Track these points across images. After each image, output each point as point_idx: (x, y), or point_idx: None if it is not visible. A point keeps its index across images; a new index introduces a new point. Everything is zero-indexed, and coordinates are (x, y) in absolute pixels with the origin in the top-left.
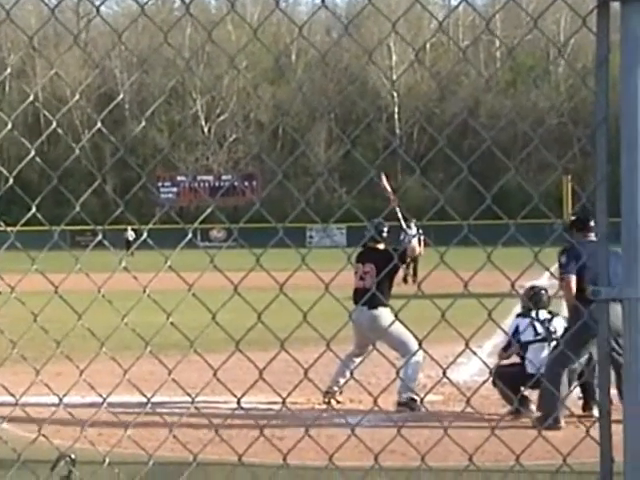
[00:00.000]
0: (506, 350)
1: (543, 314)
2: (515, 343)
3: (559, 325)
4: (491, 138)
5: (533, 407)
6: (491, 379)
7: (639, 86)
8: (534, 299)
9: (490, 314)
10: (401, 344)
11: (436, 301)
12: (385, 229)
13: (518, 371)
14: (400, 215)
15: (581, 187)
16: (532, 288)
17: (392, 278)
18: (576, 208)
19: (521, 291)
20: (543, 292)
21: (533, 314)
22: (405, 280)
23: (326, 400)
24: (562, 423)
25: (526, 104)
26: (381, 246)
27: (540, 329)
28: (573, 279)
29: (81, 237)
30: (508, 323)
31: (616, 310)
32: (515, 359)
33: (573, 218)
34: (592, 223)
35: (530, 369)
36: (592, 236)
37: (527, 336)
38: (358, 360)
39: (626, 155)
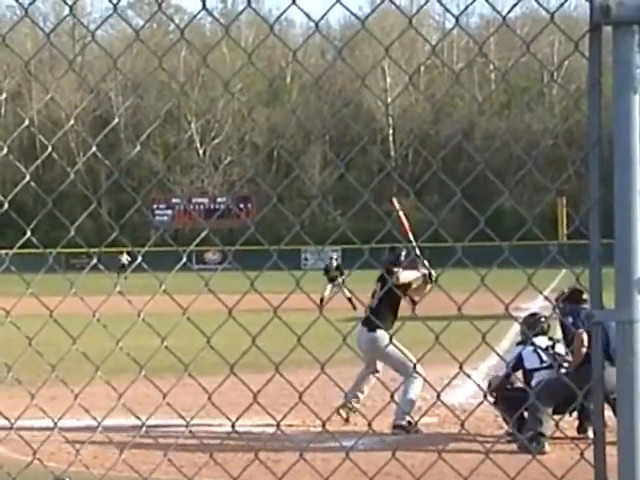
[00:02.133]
0: (507, 378)
1: (544, 341)
2: (511, 373)
3: (561, 351)
4: (485, 161)
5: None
6: (492, 399)
7: (631, 109)
8: (534, 326)
9: (484, 337)
10: (401, 365)
11: (431, 323)
12: (403, 253)
13: (522, 397)
14: (414, 242)
15: (576, 209)
16: (532, 315)
17: (394, 303)
18: (570, 230)
19: (517, 314)
20: (543, 319)
21: (535, 341)
22: (413, 303)
23: (349, 408)
24: (547, 448)
25: (520, 126)
26: (395, 269)
27: (545, 356)
28: (585, 336)
29: (76, 260)
30: (503, 346)
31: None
32: (511, 382)
33: (567, 292)
34: (585, 296)
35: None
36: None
37: (532, 363)
38: (371, 378)
39: (619, 177)
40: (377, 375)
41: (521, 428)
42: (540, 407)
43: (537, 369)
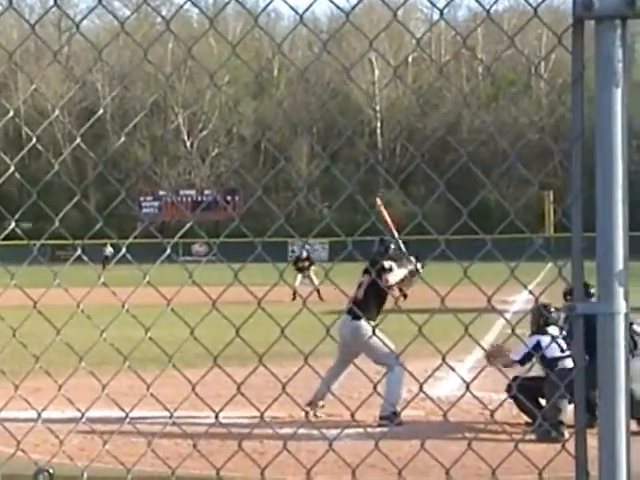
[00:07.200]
0: (522, 364)
1: (556, 331)
2: (522, 359)
3: None
4: (471, 153)
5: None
6: (509, 393)
7: (613, 103)
8: (545, 316)
9: (467, 329)
10: (383, 356)
11: (415, 316)
12: (391, 245)
13: (539, 386)
14: (401, 242)
15: (562, 202)
16: (544, 306)
17: (380, 298)
18: (553, 223)
19: (502, 307)
20: (553, 309)
21: (549, 330)
22: (404, 296)
23: (307, 410)
24: (566, 436)
25: (507, 119)
26: (383, 261)
27: (564, 345)
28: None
29: (61, 251)
30: (489, 340)
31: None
32: (529, 371)
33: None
34: (592, 290)
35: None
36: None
37: (553, 352)
38: (339, 373)
39: (602, 170)
40: (361, 367)
41: (536, 417)
42: (560, 395)
43: (559, 358)
